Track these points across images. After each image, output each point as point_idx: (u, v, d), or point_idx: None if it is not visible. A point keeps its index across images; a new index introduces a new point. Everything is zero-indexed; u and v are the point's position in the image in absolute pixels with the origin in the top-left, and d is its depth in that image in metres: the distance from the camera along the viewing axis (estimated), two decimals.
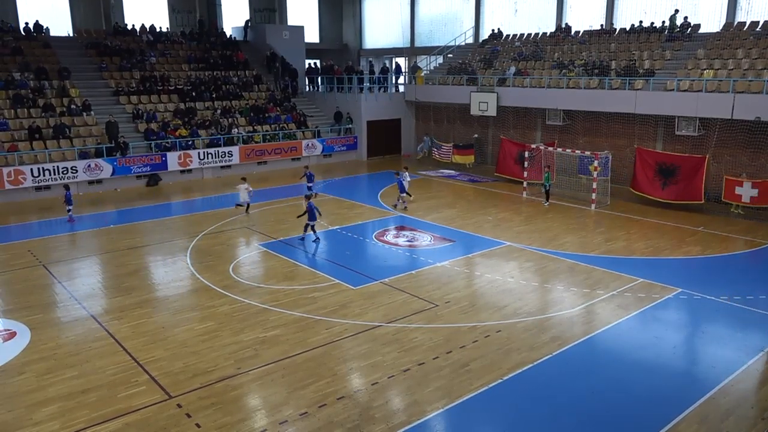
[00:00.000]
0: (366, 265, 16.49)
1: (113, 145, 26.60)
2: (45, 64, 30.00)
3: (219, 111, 31.52)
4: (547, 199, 23.10)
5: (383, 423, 9.08)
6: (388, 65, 42.33)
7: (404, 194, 22.45)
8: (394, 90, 36.43)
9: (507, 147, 27.19)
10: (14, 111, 27.08)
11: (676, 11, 27.81)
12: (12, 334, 12.23)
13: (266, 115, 32.81)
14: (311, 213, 18.11)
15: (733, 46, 24.80)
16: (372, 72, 37.69)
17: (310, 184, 23.97)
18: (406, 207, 22.24)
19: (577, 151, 23.86)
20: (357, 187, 27.58)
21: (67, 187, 21.76)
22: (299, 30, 40.11)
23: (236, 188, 22.15)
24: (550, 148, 24.61)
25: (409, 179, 23.09)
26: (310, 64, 40.42)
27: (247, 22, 40.08)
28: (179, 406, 9.59)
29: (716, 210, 21.54)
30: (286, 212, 22.06)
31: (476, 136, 31.20)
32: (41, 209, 22.97)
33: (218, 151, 28.95)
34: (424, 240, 18.62)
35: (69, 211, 21.02)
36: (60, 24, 34.65)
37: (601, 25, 30.97)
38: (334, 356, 11.19)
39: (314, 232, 18.56)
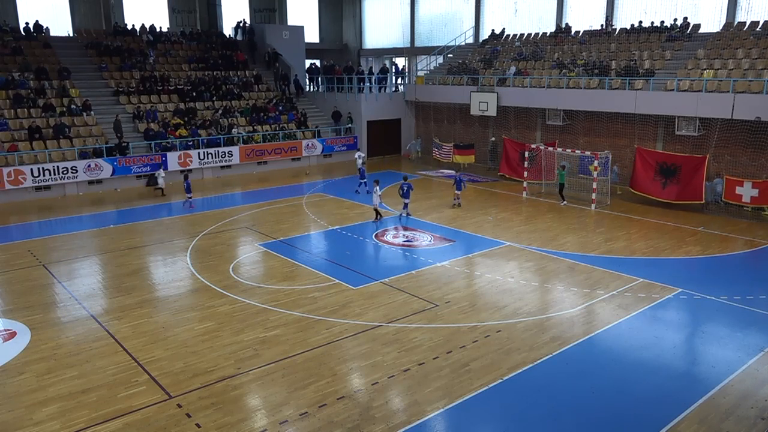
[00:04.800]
0: (366, 265, 16.49)
1: (120, 142, 26.66)
2: (45, 64, 30.01)
3: (219, 111, 31.53)
4: (563, 199, 23.10)
5: (383, 423, 9.08)
6: (388, 65, 42.31)
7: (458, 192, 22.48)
8: (394, 90, 36.43)
9: (510, 147, 27.18)
10: (14, 111, 27.08)
11: (675, 20, 27.96)
12: (12, 334, 12.23)
13: (266, 115, 32.82)
14: (405, 192, 21.02)
15: (733, 46, 24.80)
16: (371, 73, 37.65)
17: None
18: (459, 204, 22.48)
19: (577, 151, 23.86)
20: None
21: (186, 176, 23.73)
22: (299, 30, 40.10)
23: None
24: (551, 148, 24.61)
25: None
26: (310, 64, 40.41)
27: (243, 22, 39.95)
28: (179, 406, 9.59)
29: (716, 210, 21.54)
30: (286, 212, 22.07)
31: (493, 138, 30.86)
32: (41, 209, 22.97)
33: (218, 151, 28.95)
34: (424, 240, 18.61)
35: (189, 197, 22.98)
36: (60, 24, 34.65)
37: (601, 25, 30.97)
38: (335, 356, 11.19)
39: (405, 208, 21.17)
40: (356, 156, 25.64)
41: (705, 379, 10.37)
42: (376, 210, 20.80)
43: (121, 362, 11.02)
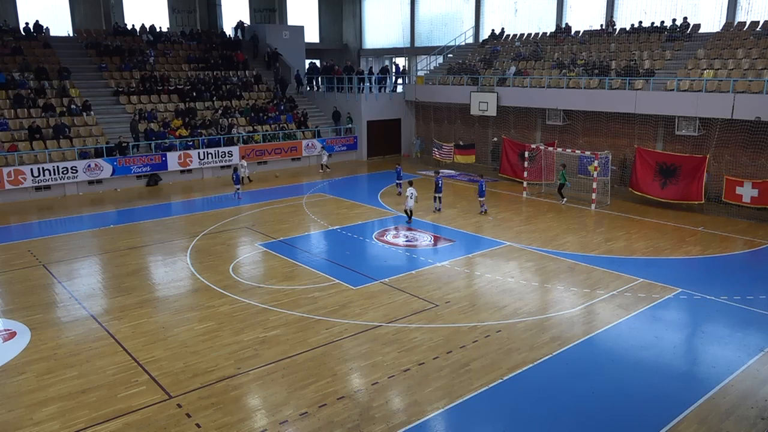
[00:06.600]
0: (366, 265, 16.49)
1: (120, 141, 26.70)
2: (45, 64, 30.00)
3: (219, 111, 31.52)
4: (562, 197, 23.15)
5: (383, 423, 9.08)
6: (388, 65, 42.29)
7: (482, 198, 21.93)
8: (392, 90, 36.39)
9: (509, 147, 27.17)
10: (14, 111, 27.08)
11: (674, 20, 27.97)
12: (12, 334, 12.23)
13: (266, 115, 32.81)
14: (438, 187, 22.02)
15: (733, 46, 24.80)
16: (371, 73, 37.65)
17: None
18: (486, 211, 21.78)
19: (577, 151, 23.85)
20: (357, 187, 27.59)
21: (235, 169, 25.15)
22: (299, 30, 40.10)
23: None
24: (551, 148, 24.61)
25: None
26: (310, 64, 40.41)
27: (241, 23, 39.93)
28: (179, 406, 9.59)
29: (716, 210, 21.54)
30: (286, 212, 22.07)
31: (495, 139, 30.68)
32: (41, 209, 22.97)
33: (218, 151, 28.95)
34: (424, 240, 18.61)
35: (237, 189, 24.21)
36: (60, 24, 34.67)
37: (601, 25, 30.97)
38: (334, 356, 11.19)
39: (436, 202, 22.14)
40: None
41: (705, 379, 10.37)
42: (406, 212, 20.53)
43: (121, 362, 11.02)
